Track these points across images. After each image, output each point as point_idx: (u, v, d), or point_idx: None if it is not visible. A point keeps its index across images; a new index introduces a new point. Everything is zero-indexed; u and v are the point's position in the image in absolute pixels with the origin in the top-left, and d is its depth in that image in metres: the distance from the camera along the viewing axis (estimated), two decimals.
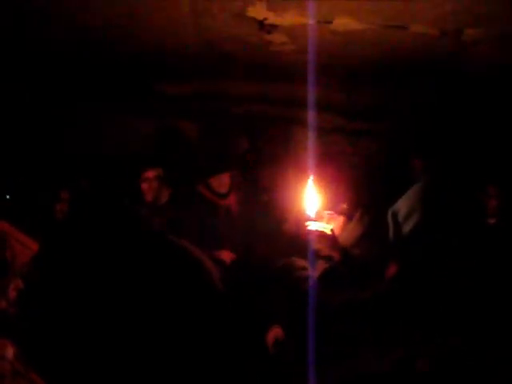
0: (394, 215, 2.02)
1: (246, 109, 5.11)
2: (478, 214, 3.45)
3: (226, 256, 3.71)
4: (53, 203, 3.40)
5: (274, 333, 2.59)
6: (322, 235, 2.51)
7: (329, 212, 2.75)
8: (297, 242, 2.78)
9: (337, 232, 2.69)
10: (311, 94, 3.73)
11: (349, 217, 2.79)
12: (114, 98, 4.83)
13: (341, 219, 2.78)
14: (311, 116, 4.07)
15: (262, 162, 4.98)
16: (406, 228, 1.96)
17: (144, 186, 3.87)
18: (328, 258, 2.60)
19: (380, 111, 4.80)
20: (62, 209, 3.39)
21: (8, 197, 3.69)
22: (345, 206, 2.81)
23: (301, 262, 2.68)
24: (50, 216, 3.32)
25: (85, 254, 2.16)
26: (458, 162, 4.24)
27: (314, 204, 2.57)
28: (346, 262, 2.52)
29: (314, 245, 2.55)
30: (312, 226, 2.54)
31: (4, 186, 3.68)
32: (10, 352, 1.72)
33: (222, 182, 3.96)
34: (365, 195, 2.91)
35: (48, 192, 3.45)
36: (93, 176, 4.15)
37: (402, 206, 2.01)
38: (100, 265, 2.06)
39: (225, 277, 2.39)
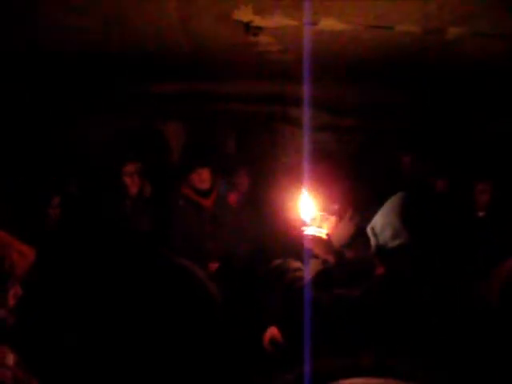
0: (372, 230, 2.07)
1: (233, 108, 5.15)
2: (467, 213, 3.52)
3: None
4: (45, 209, 3.41)
5: (271, 332, 2.65)
6: (317, 240, 2.54)
7: (321, 213, 2.78)
8: (290, 242, 2.82)
9: (330, 232, 2.72)
10: (300, 93, 3.77)
11: (340, 217, 2.83)
12: (99, 99, 4.83)
13: (333, 219, 2.82)
14: (302, 114, 4.10)
15: (249, 161, 5.00)
16: (381, 239, 2.00)
17: (127, 179, 3.94)
18: (323, 260, 2.64)
19: (366, 109, 4.85)
20: (55, 214, 3.41)
21: None
22: (336, 206, 2.84)
23: (295, 264, 2.72)
24: (44, 222, 3.32)
25: (78, 259, 2.18)
26: (446, 159, 4.32)
27: (308, 209, 2.59)
28: (340, 265, 2.57)
29: (310, 249, 2.58)
30: (307, 230, 2.57)
31: None
32: (10, 359, 1.72)
33: (203, 177, 3.91)
34: (354, 193, 2.95)
35: (39, 198, 3.45)
36: (79, 179, 4.16)
37: (377, 220, 2.06)
38: (93, 269, 2.08)
39: (218, 285, 2.41)
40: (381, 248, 1.97)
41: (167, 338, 1.52)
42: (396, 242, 1.91)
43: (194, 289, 1.53)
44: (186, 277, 1.55)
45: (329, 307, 2.36)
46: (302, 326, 2.19)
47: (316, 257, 2.64)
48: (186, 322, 1.52)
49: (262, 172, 4.83)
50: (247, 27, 3.19)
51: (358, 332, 1.92)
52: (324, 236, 2.57)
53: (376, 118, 4.90)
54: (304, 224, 2.57)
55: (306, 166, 2.67)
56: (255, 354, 2.58)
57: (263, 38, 3.42)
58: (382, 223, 1.98)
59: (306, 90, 3.22)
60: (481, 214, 3.77)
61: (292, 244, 2.88)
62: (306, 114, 3.79)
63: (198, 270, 1.56)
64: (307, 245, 2.55)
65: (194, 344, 1.49)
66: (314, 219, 2.66)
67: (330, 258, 2.59)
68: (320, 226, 2.69)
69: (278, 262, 2.80)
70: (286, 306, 2.61)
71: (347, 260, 2.58)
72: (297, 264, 2.71)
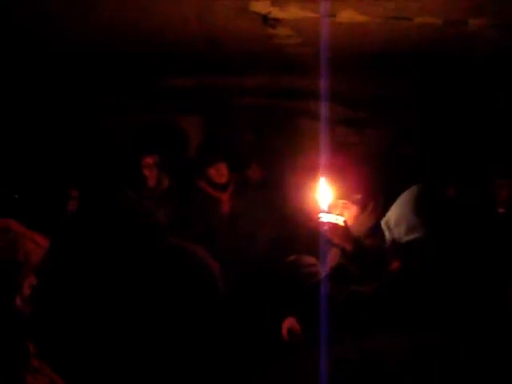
0: (387, 224, 2.04)
1: (250, 102, 5.13)
2: (486, 208, 3.44)
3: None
4: (63, 201, 3.44)
5: (289, 323, 2.67)
6: (334, 227, 2.52)
7: (343, 201, 2.75)
8: (307, 237, 2.80)
9: (350, 222, 2.69)
10: (320, 86, 3.75)
11: (362, 207, 2.79)
12: (114, 94, 4.86)
13: (354, 209, 2.78)
14: (321, 107, 4.08)
15: (267, 155, 4.99)
16: (396, 233, 1.97)
17: (146, 171, 3.98)
18: (340, 249, 2.61)
19: (385, 101, 4.80)
20: (73, 206, 3.44)
21: (16, 196, 3.73)
22: (358, 196, 2.80)
23: (309, 259, 2.71)
24: (61, 214, 3.35)
25: (93, 251, 2.19)
26: (465, 154, 4.25)
27: (326, 196, 2.56)
28: (358, 253, 2.54)
29: (327, 236, 2.55)
30: (324, 217, 2.53)
31: (12, 186, 3.74)
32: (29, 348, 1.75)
33: (220, 171, 3.94)
34: (376, 186, 2.91)
35: (57, 191, 3.49)
36: (98, 173, 4.19)
37: (391, 214, 2.03)
38: (108, 262, 2.09)
39: (229, 277, 2.42)
40: (396, 242, 1.94)
41: (171, 318, 1.53)
42: (411, 237, 1.88)
43: (195, 269, 1.54)
44: (187, 257, 1.56)
45: (343, 303, 2.35)
46: (317, 320, 2.18)
47: (334, 245, 2.62)
48: (188, 302, 1.53)
49: (280, 166, 4.81)
50: (265, 19, 3.17)
51: (373, 328, 1.90)
52: (341, 223, 2.54)
53: (395, 111, 4.84)
54: (322, 211, 2.54)
55: (325, 156, 2.63)
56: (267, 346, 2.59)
57: (281, 31, 3.39)
58: (396, 217, 1.95)
59: (317, 81, 3.19)
60: (501, 210, 3.69)
61: (309, 238, 2.86)
62: (321, 105, 3.75)
63: (200, 251, 1.57)
64: (324, 232, 2.53)
65: (194, 321, 1.50)
66: (334, 206, 2.63)
67: (348, 246, 2.56)
68: (341, 214, 2.66)
69: (292, 257, 2.80)
70: (301, 300, 2.60)
71: (365, 248, 2.55)
72: (311, 259, 2.70)
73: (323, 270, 2.62)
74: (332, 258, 2.66)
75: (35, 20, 3.28)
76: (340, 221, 2.56)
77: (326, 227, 2.52)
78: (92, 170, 4.12)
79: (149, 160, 4.01)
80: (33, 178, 3.65)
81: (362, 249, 2.56)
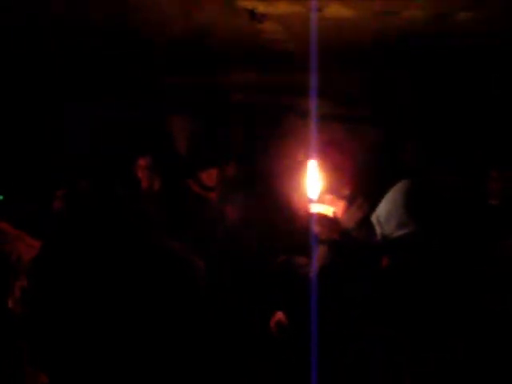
0: (377, 219, 2.03)
1: (241, 98, 5.12)
2: (477, 202, 3.46)
3: None
4: (50, 201, 3.41)
5: (277, 317, 2.69)
6: (323, 217, 2.50)
7: (330, 196, 2.74)
8: (296, 234, 2.79)
9: (338, 216, 2.68)
10: (308, 83, 3.74)
11: (350, 203, 2.79)
12: (106, 94, 4.83)
13: (341, 204, 2.77)
14: (309, 103, 4.08)
15: (258, 151, 4.98)
16: (386, 228, 1.97)
17: (139, 173, 4.01)
18: (329, 242, 2.60)
19: (374, 97, 4.81)
20: (59, 206, 3.40)
21: (1, 197, 3.71)
22: (346, 191, 2.80)
23: (301, 260, 2.70)
24: (48, 215, 3.32)
25: (82, 250, 2.17)
26: (457, 146, 4.28)
27: (315, 186, 2.55)
28: (346, 245, 2.54)
29: (315, 227, 2.54)
30: (313, 208, 2.52)
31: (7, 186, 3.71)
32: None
33: (211, 176, 3.97)
34: (365, 182, 2.91)
35: (45, 192, 3.46)
36: (89, 173, 4.16)
37: (382, 209, 2.02)
38: (96, 262, 2.07)
39: (220, 277, 2.41)
40: (386, 237, 1.94)
41: (153, 315, 1.52)
42: (401, 232, 1.88)
43: (174, 266, 1.53)
44: (167, 255, 1.55)
45: (336, 303, 2.36)
46: (307, 315, 2.18)
47: (322, 241, 2.61)
48: (166, 298, 1.52)
49: (270, 162, 4.80)
50: (252, 14, 3.16)
51: (364, 325, 1.91)
52: (330, 214, 2.53)
53: (385, 107, 4.86)
54: (311, 201, 2.52)
55: (314, 152, 2.62)
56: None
57: (268, 26, 3.39)
58: (386, 212, 1.95)
59: (305, 76, 3.19)
60: (494, 202, 3.70)
61: (299, 236, 2.84)
62: (308, 102, 3.75)
63: (181, 249, 1.56)
64: (313, 223, 2.51)
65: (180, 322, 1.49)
66: (322, 200, 2.62)
67: (336, 237, 2.55)
68: None
69: (283, 257, 2.80)
70: (291, 300, 2.61)
71: (353, 240, 2.54)
72: (303, 260, 2.70)
73: (313, 269, 2.62)
74: (320, 258, 2.65)
75: (35, 20, 3.26)
76: (329, 211, 2.54)
77: (314, 217, 2.50)
78: (86, 170, 4.11)
79: (141, 162, 4.02)
80: (31, 178, 3.62)
81: (351, 241, 2.56)
